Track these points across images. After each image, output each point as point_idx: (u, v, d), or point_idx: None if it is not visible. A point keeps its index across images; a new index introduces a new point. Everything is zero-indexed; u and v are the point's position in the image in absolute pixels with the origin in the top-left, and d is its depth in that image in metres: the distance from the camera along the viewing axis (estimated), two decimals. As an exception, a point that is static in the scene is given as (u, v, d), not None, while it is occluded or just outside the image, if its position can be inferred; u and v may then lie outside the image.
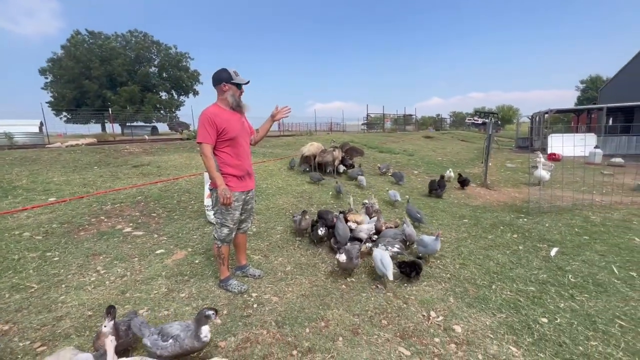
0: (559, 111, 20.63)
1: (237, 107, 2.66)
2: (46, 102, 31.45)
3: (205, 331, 1.87)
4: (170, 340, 1.84)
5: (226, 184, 2.58)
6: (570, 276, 3.03)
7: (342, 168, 7.93)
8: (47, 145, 11.65)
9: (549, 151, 13.19)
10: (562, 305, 2.57)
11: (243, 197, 2.74)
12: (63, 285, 2.84)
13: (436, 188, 6.41)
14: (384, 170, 8.34)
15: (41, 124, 18.53)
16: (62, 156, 8.00)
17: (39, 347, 2.09)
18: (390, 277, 2.78)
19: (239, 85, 2.65)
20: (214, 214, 2.76)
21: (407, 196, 5.32)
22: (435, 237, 3.15)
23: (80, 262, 3.25)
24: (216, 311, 1.92)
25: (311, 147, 7.87)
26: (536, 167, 7.70)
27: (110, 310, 1.88)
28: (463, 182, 7.28)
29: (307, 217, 3.87)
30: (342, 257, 2.88)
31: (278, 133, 23.45)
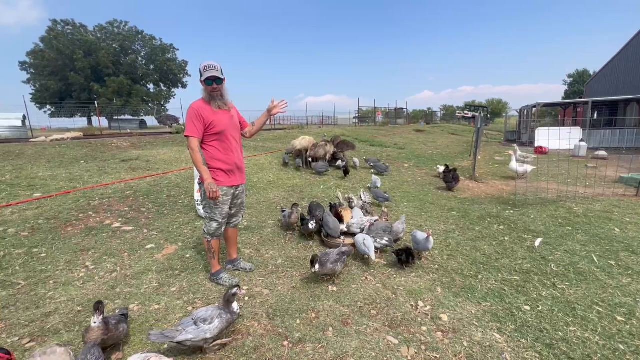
0: (546, 105, 20.99)
1: (213, 104, 2.56)
2: (29, 94, 30.50)
3: (236, 306, 2.11)
4: (217, 320, 1.98)
5: (214, 178, 2.57)
6: (552, 265, 3.14)
7: (338, 162, 7.94)
8: (30, 140, 11.32)
9: (536, 144, 13.45)
10: (544, 293, 2.67)
11: (232, 191, 2.73)
12: (51, 282, 2.81)
13: (451, 181, 6.56)
14: (371, 164, 8.42)
15: (24, 117, 17.97)
16: (47, 150, 7.82)
17: (27, 343, 2.08)
18: (373, 257, 3.04)
19: (207, 82, 2.52)
20: (203, 208, 2.76)
21: (369, 185, 5.50)
22: (426, 237, 3.15)
23: (68, 258, 3.22)
24: (238, 286, 2.15)
25: (303, 141, 7.86)
26: (522, 160, 7.87)
27: (99, 306, 1.88)
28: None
29: (298, 209, 3.88)
30: (316, 267, 2.67)
31: (269, 126, 23.27)
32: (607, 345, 2.05)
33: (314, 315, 2.38)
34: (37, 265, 3.07)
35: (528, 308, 2.46)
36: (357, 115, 34.28)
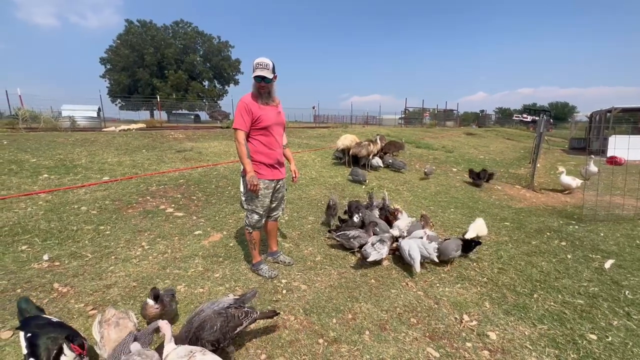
0: (624, 110, 18.47)
1: (260, 100, 2.60)
2: (106, 87, 34.34)
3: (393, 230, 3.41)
4: (386, 246, 3.08)
5: (257, 171, 2.64)
6: (627, 292, 2.74)
7: (378, 162, 7.75)
8: (103, 129, 12.68)
9: (609, 154, 11.91)
10: (616, 322, 2.34)
11: (273, 185, 2.78)
12: (113, 257, 3.10)
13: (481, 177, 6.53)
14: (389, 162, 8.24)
15: (99, 109, 20.20)
16: (116, 139, 8.68)
17: (90, 310, 2.31)
18: (417, 269, 2.88)
19: (256, 78, 2.55)
20: (244, 200, 2.85)
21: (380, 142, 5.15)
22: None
23: (127, 237, 3.53)
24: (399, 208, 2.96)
25: (345, 140, 7.79)
26: (584, 171, 7.01)
27: (157, 293, 2.05)
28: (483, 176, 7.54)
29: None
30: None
31: (314, 125, 23.54)
32: (698, 393, 1.73)
33: (350, 316, 2.34)
34: (102, 241, 3.41)
35: (594, 337, 2.17)
36: (403, 115, 33.27)
